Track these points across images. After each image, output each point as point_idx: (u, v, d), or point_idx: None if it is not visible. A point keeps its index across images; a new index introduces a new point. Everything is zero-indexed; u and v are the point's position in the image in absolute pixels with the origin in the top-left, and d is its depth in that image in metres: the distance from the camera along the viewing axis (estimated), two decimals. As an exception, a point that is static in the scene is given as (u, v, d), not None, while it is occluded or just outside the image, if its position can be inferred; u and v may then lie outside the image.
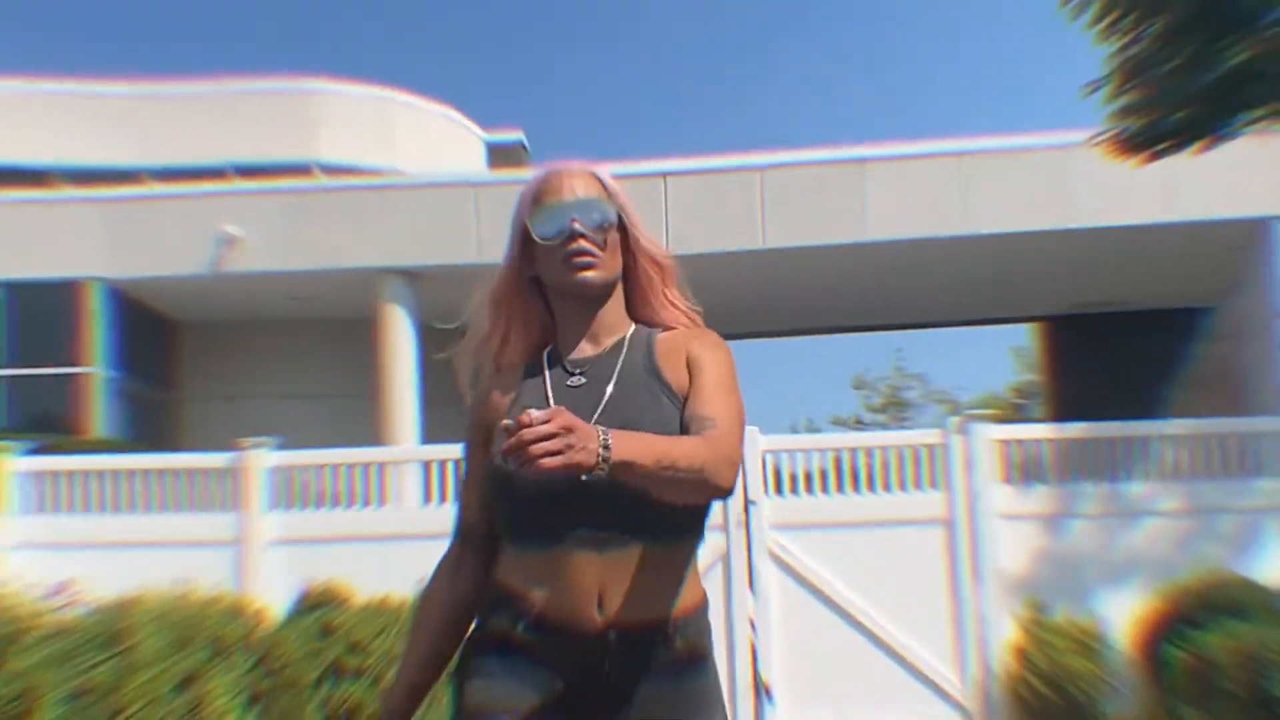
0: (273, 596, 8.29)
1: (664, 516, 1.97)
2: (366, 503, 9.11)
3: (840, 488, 8.80)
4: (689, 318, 2.19)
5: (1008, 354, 28.70)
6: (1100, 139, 9.78)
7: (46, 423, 14.41)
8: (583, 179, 2.16)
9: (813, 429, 29.96)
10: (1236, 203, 13.62)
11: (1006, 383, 30.51)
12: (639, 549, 2.00)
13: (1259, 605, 7.53)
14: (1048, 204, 13.99)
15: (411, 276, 14.45)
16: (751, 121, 53.70)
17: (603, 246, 2.12)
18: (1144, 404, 16.48)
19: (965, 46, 53.27)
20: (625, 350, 2.14)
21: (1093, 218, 13.85)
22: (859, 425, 29.08)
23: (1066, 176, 13.91)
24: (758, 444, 8.63)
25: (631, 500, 1.92)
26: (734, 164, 14.80)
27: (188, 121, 17.84)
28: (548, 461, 1.64)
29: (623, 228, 2.15)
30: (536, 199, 2.14)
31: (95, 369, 14.53)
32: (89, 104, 17.93)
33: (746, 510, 8.56)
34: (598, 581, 1.99)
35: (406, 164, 17.93)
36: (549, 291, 2.17)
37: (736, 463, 1.98)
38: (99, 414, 14.53)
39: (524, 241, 2.15)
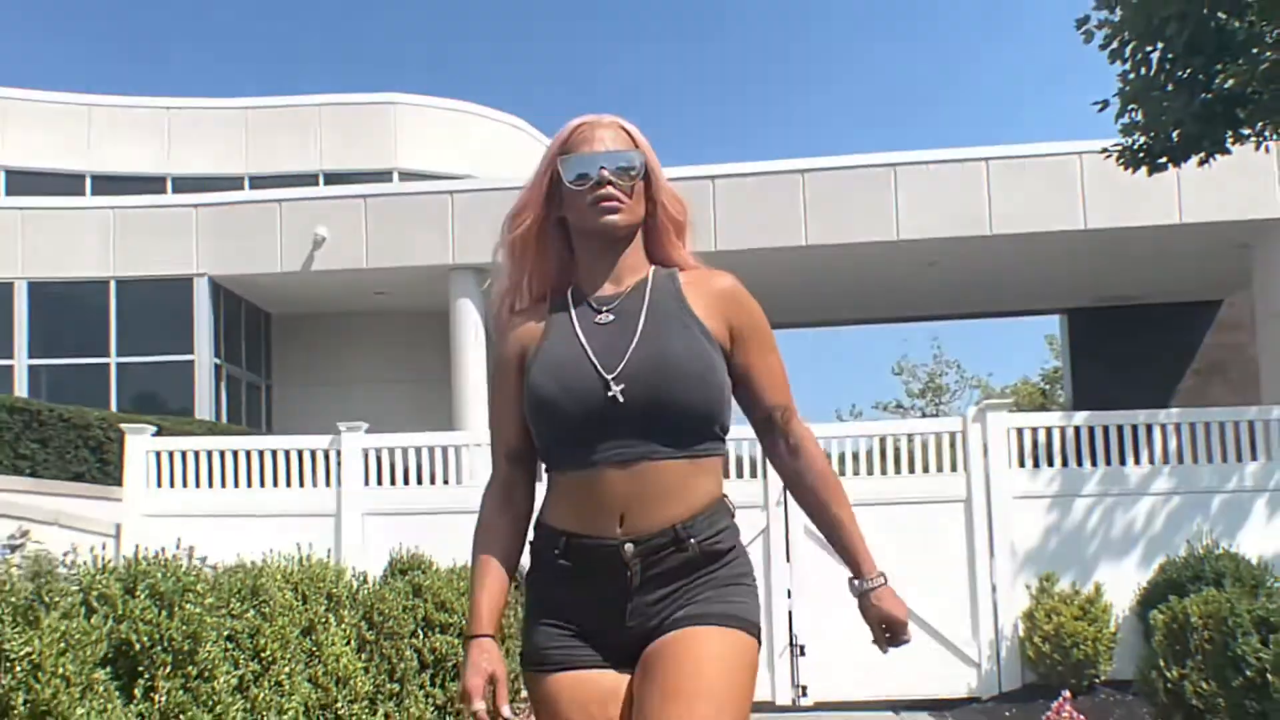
0: (366, 561, 8.96)
1: (694, 432, 2.08)
2: (445, 480, 9.76)
3: (871, 470, 9.30)
4: (697, 264, 2.26)
5: (1042, 341, 28.79)
6: (1110, 152, 10.18)
7: (157, 405, 15.23)
8: (611, 129, 2.19)
9: (856, 413, 30.40)
10: (1243, 205, 13.88)
11: (1041, 369, 30.66)
12: (665, 463, 2.06)
13: (1239, 576, 7.97)
14: (1064, 206, 14.33)
15: (480, 272, 15.05)
16: (794, 127, 54.17)
17: (629, 193, 2.15)
18: (1161, 389, 16.81)
19: (991, 57, 53.47)
20: (650, 287, 2.18)
21: (1106, 219, 14.17)
22: (900, 409, 29.47)
23: (1082, 180, 14.25)
24: (794, 430, 9.15)
25: (664, 419, 2.05)
26: (778, 168, 15.25)
27: (283, 134, 18.63)
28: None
29: (646, 177, 2.20)
30: (568, 147, 2.18)
31: (200, 357, 15.31)
32: (197, 118, 18.78)
33: (785, 493, 9.08)
34: (622, 498, 2.06)
35: (477, 170, 18.58)
36: (573, 233, 2.20)
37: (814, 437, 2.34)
38: (203, 397, 15.32)
39: (552, 186, 2.19)
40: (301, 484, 9.56)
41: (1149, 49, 9.46)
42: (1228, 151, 9.74)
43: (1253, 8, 8.63)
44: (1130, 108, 9.69)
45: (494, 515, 2.20)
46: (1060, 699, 6.93)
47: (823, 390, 51.38)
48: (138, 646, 3.92)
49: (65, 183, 17.52)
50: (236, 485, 9.56)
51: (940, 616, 8.96)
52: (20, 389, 15.01)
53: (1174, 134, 9.62)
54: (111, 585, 3.95)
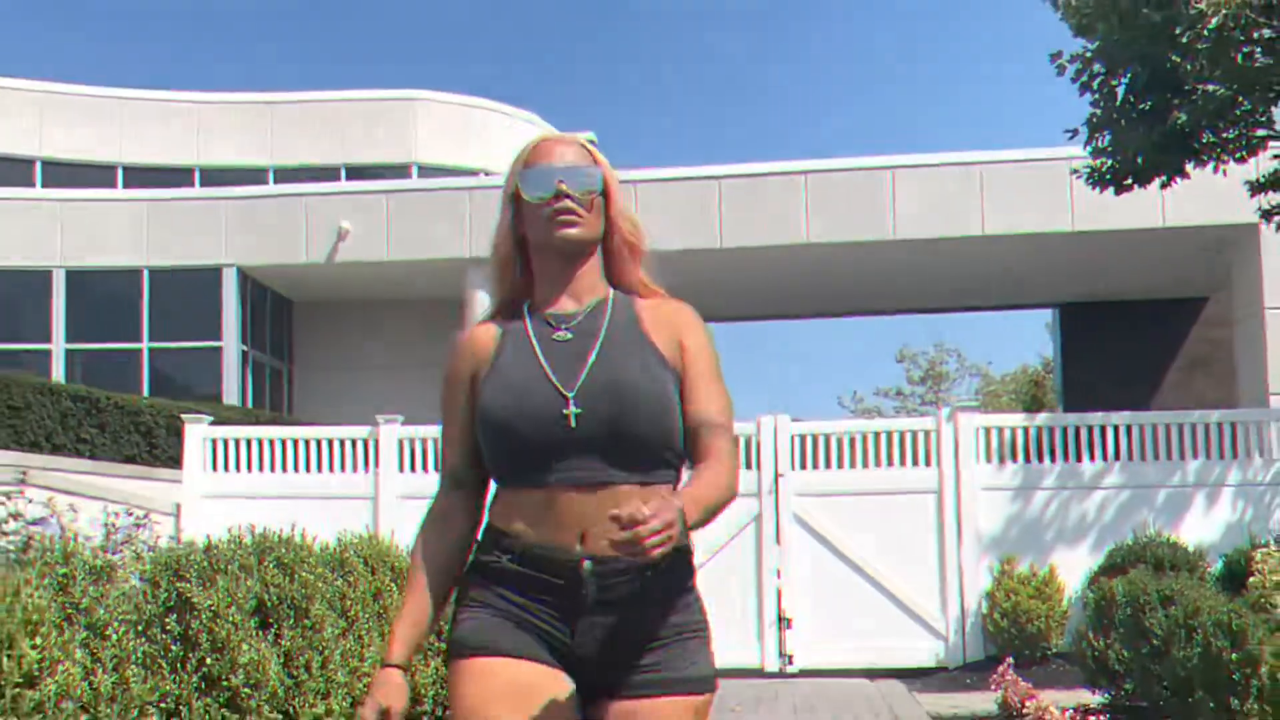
0: (402, 539, 10.49)
1: (648, 458, 2.12)
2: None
3: (853, 464, 10.79)
4: (656, 291, 2.31)
5: (1042, 328, 30.25)
6: (1079, 173, 11.62)
7: (186, 389, 16.74)
8: (571, 147, 2.25)
9: (858, 400, 32.05)
10: (1220, 210, 15.24)
11: (1040, 355, 32.12)
12: (622, 485, 2.09)
13: (1175, 561, 9.47)
14: (1053, 209, 15.74)
15: (496, 265, 16.47)
16: (794, 129, 56.65)
17: (587, 208, 2.20)
18: (1148, 382, 18.29)
19: (986, 67, 56.20)
20: (610, 310, 2.22)
21: (1092, 222, 15.56)
22: (900, 396, 31.10)
23: (1070, 185, 15.63)
24: (787, 429, 10.65)
25: (619, 444, 2.10)
26: (780, 170, 16.67)
27: (306, 128, 20.12)
28: (656, 551, 1.83)
29: (605, 196, 2.24)
30: (527, 163, 2.24)
31: (228, 343, 16.81)
32: (224, 112, 20.25)
33: (777, 482, 10.60)
34: (581, 517, 2.08)
35: (493, 164, 20.04)
36: (531, 249, 2.24)
37: (739, 464, 2.30)
38: (231, 382, 16.83)
39: (514, 202, 2.24)
40: (342, 469, 11.08)
41: (1114, 83, 10.89)
42: (1187, 176, 11.18)
43: (1202, 53, 10.03)
44: (1097, 135, 11.12)
45: (431, 539, 2.22)
46: (1005, 664, 8.46)
47: (823, 376, 53.52)
48: (269, 603, 5.42)
49: (98, 174, 19.01)
50: (284, 470, 11.09)
51: (912, 595, 10.48)
52: (57, 373, 16.53)
53: (1137, 159, 11.06)
54: (248, 558, 5.45)
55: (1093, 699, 8.32)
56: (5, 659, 3.47)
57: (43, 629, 3.60)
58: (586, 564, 2.08)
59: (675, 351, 2.20)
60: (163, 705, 4.61)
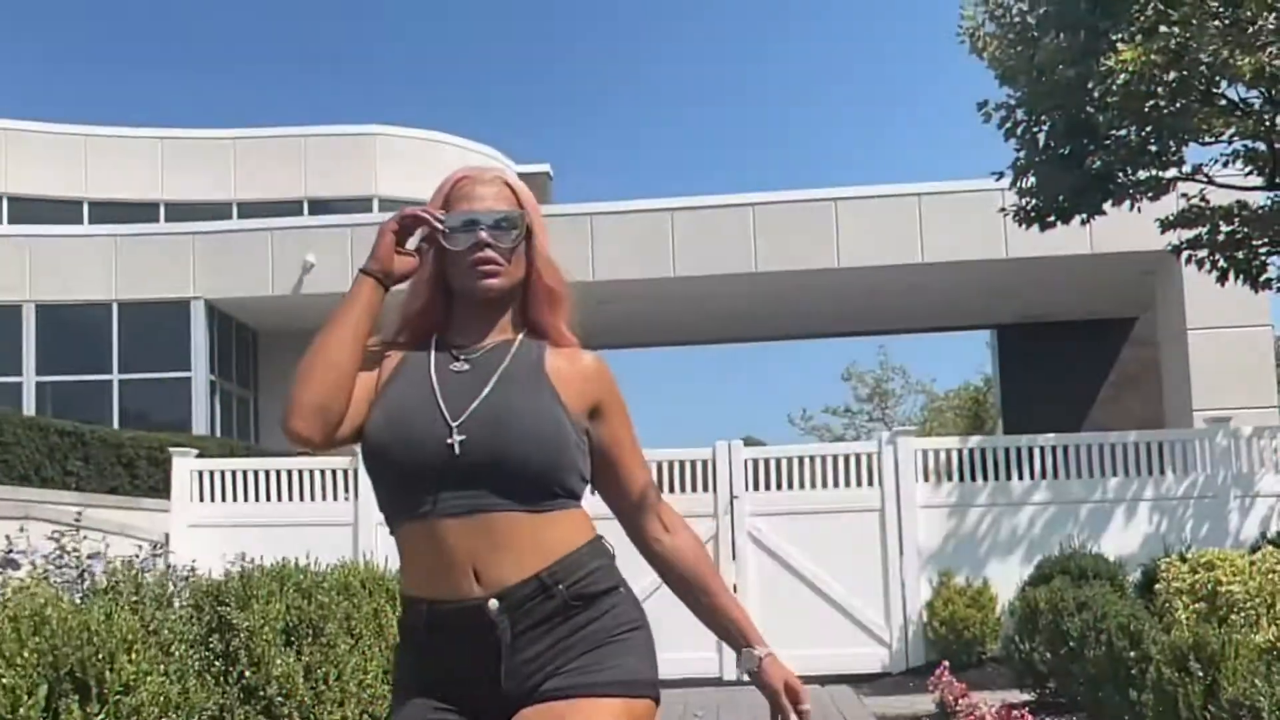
0: (382, 564, 11.29)
1: (533, 491, 2.08)
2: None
3: (802, 485, 11.74)
4: (571, 340, 2.27)
5: (984, 346, 31.56)
6: (1007, 211, 12.70)
7: (155, 419, 17.40)
8: (494, 186, 2.22)
9: (807, 418, 33.33)
10: (1144, 237, 16.36)
11: (982, 372, 33.39)
12: (507, 513, 2.05)
13: (1096, 572, 10.50)
14: (988, 237, 16.84)
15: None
16: (743, 160, 58.90)
17: (508, 256, 2.18)
18: (1081, 399, 19.45)
19: (921, 104, 59.18)
20: (514, 350, 2.19)
21: (1025, 249, 16.65)
22: (848, 413, 32.33)
23: (1002, 215, 16.75)
24: (741, 454, 11.59)
25: (501, 475, 2.05)
26: (729, 202, 17.66)
27: (269, 162, 20.86)
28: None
29: (528, 239, 2.22)
30: (449, 203, 2.21)
31: (196, 374, 17.49)
32: (188, 147, 20.94)
33: (732, 503, 11.53)
34: (469, 551, 2.04)
35: (451, 197, 20.84)
36: (450, 285, 2.21)
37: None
38: (199, 411, 17.52)
39: (431, 238, 2.20)
40: (324, 498, 11.86)
41: (1035, 130, 11.98)
42: (1104, 214, 12.28)
43: (1113, 105, 11.11)
44: (1022, 177, 12.20)
45: None
46: (942, 668, 9.42)
47: (774, 397, 55.24)
48: (291, 624, 6.25)
49: (63, 209, 19.64)
50: (268, 499, 11.85)
51: (858, 606, 11.44)
52: (28, 404, 17.14)
53: (1059, 199, 12.14)
54: (271, 584, 6.27)
55: (1021, 697, 9.29)
56: (108, 672, 4.29)
57: (136, 646, 4.43)
58: (492, 604, 2.04)
59: (584, 404, 2.19)
60: (209, 713, 5.42)
